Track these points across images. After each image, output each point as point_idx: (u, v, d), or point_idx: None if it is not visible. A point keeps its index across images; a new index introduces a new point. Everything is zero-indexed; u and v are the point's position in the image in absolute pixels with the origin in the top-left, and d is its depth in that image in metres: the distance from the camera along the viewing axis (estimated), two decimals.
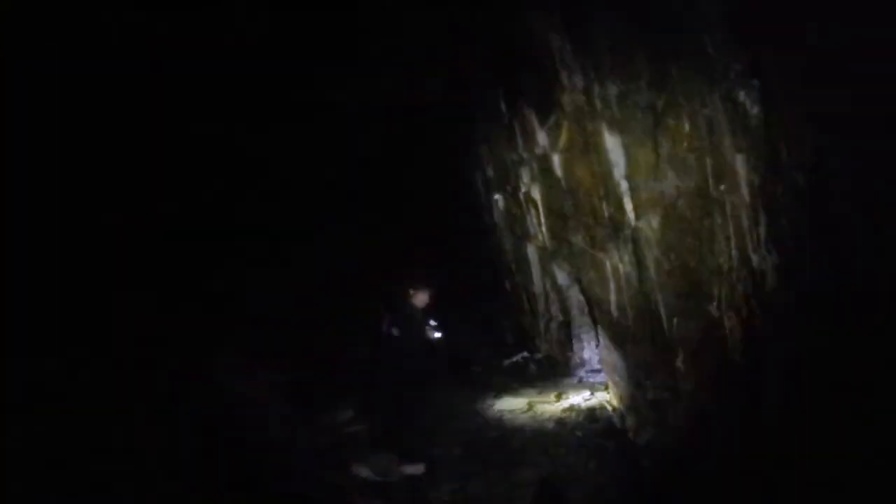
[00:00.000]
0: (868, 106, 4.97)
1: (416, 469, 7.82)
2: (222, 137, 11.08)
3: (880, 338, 5.32)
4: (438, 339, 8.65)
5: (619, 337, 8.15)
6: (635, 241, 7.28)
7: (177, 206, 10.33)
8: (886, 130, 4.83)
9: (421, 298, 8.71)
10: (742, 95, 5.99)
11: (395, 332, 8.48)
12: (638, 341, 7.76)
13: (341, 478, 7.47)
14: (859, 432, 5.46)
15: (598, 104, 7.40)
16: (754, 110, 5.96)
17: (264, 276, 11.36)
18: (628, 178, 7.25)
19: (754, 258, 6.17)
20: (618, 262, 7.79)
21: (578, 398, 9.72)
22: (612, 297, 8.10)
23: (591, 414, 9.09)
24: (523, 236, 10.81)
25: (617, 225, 7.56)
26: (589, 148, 7.79)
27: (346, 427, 8.91)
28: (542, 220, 9.97)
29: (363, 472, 7.59)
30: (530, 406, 9.71)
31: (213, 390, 7.03)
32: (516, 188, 10.46)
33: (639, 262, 7.32)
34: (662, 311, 7.02)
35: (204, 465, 6.54)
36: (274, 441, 7.02)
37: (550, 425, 9.01)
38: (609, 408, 8.98)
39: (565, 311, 10.45)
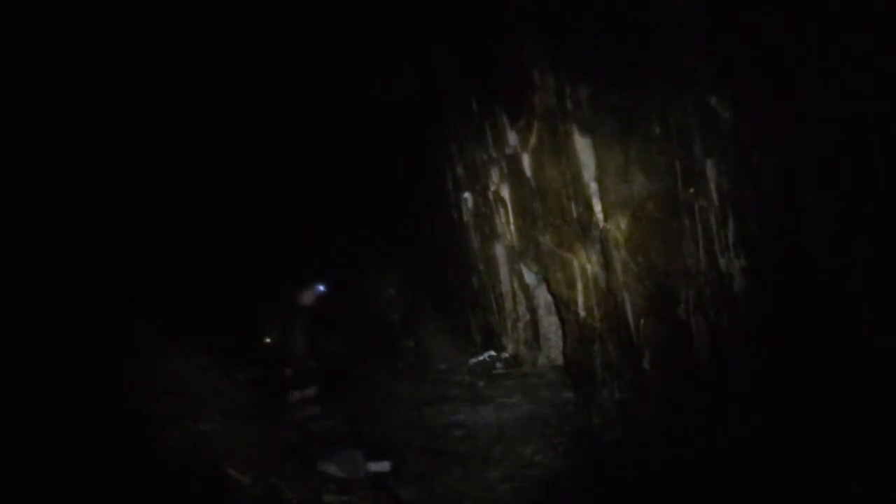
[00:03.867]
0: (839, 111, 5.04)
1: (382, 467, 7.79)
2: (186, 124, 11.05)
3: (847, 340, 5.39)
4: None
5: (586, 337, 8.18)
6: (603, 242, 7.32)
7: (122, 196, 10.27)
8: (857, 136, 4.89)
9: (307, 298, 8.63)
10: (714, 100, 6.03)
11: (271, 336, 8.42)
12: (605, 342, 7.81)
13: (305, 473, 7.43)
14: (825, 432, 5.53)
15: (570, 105, 7.43)
16: (726, 114, 6.00)
17: (226, 274, 11.32)
18: (598, 179, 7.30)
19: (722, 261, 6.23)
20: (585, 263, 7.83)
21: (545, 397, 9.74)
22: (580, 298, 8.15)
23: (558, 413, 9.11)
24: (492, 235, 10.81)
25: (585, 225, 7.60)
26: (559, 149, 7.82)
27: (312, 422, 8.86)
28: (511, 219, 9.99)
29: (330, 468, 7.56)
30: (496, 405, 9.72)
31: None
32: (486, 187, 10.47)
33: (606, 263, 7.36)
34: (629, 312, 7.07)
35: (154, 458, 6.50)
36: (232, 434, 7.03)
37: (517, 424, 9.02)
38: (576, 407, 9.01)
39: (532, 310, 10.47)
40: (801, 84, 5.25)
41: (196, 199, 12.25)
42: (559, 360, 10.11)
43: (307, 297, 9.10)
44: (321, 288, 9.39)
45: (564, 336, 9.19)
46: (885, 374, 5.16)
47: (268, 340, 8.97)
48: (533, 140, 8.57)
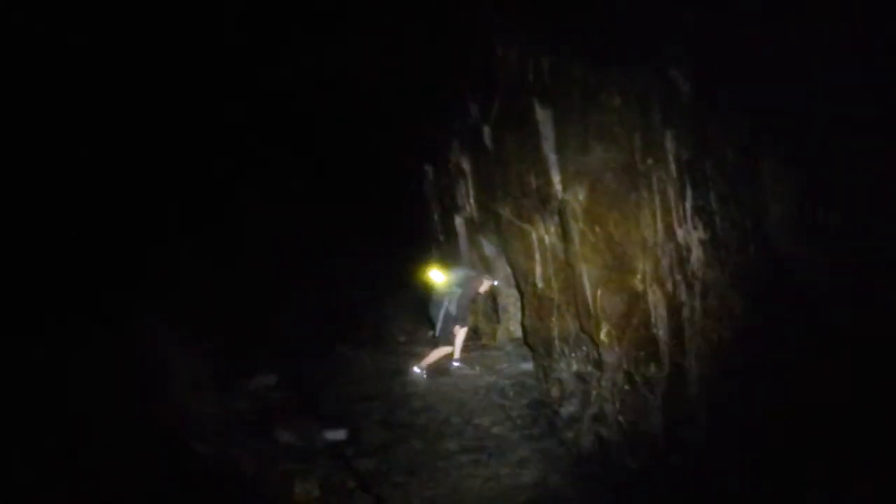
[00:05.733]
0: (799, 87, 5.05)
1: (338, 435, 7.80)
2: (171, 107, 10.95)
3: (807, 313, 5.43)
4: None
5: (544, 308, 8.18)
6: (561, 213, 7.30)
7: (108, 169, 10.15)
8: (818, 110, 4.91)
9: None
10: (674, 73, 6.03)
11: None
12: (562, 313, 7.81)
13: (262, 443, 7.41)
14: (784, 409, 5.59)
15: (531, 78, 7.40)
16: (686, 87, 6.01)
17: (191, 242, 11.23)
18: (557, 150, 7.27)
19: (679, 232, 6.24)
20: (544, 234, 7.82)
21: (504, 369, 9.76)
22: (538, 269, 8.14)
23: (517, 385, 9.13)
24: (452, 207, 10.77)
25: (544, 197, 7.58)
26: (520, 121, 7.78)
27: (270, 393, 8.84)
28: (471, 191, 9.96)
29: (285, 437, 7.55)
30: (455, 376, 9.72)
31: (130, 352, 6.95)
32: (446, 159, 10.42)
33: (564, 235, 7.34)
34: (587, 283, 7.06)
35: (116, 428, 6.43)
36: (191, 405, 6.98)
37: (475, 396, 9.03)
38: (534, 379, 9.03)
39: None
40: (762, 58, 5.26)
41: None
42: (518, 333, 10.13)
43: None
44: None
45: (523, 308, 9.18)
46: (844, 346, 5.21)
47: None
48: (494, 112, 8.54)
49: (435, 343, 9.93)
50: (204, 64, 10.99)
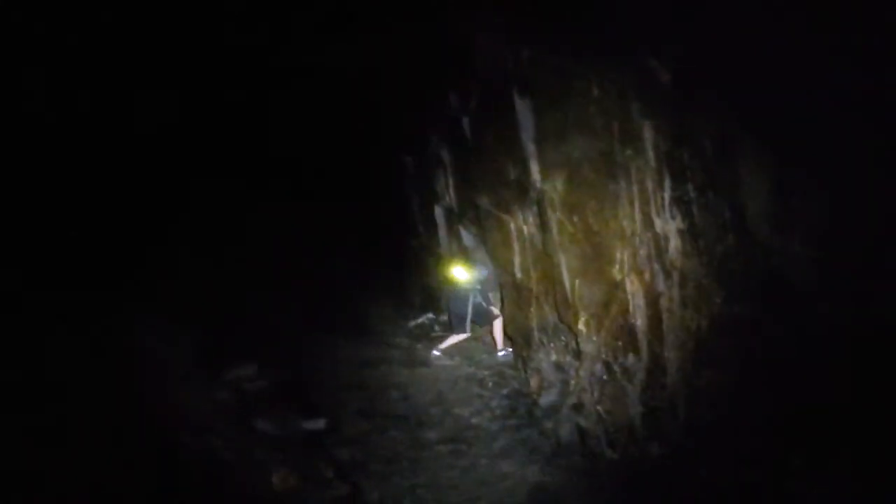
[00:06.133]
0: (778, 76, 5.06)
1: (317, 424, 7.80)
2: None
3: (787, 302, 5.45)
4: None
5: (523, 299, 8.19)
6: (540, 203, 7.29)
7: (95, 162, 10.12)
8: (796, 100, 4.92)
9: None
10: (654, 63, 6.03)
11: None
12: (541, 303, 7.82)
13: (241, 433, 7.40)
14: (764, 397, 5.61)
15: (510, 67, 7.39)
16: (665, 77, 6.00)
17: (174, 235, 11.20)
18: (536, 140, 7.26)
19: (658, 222, 6.24)
20: (522, 224, 7.81)
21: (484, 359, 9.78)
22: (516, 259, 8.14)
23: (496, 375, 9.15)
24: (431, 198, 10.77)
25: (523, 187, 7.57)
26: (499, 111, 7.77)
27: (249, 382, 8.82)
28: (450, 181, 9.96)
29: (263, 426, 7.54)
30: (435, 367, 9.74)
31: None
32: (426, 150, 10.42)
33: (543, 225, 7.34)
34: (565, 273, 7.06)
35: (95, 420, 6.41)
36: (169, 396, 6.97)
37: (455, 386, 9.06)
38: (513, 369, 9.04)
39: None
40: (741, 48, 5.26)
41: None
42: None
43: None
44: None
45: (501, 298, 9.19)
46: (823, 335, 5.23)
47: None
48: (474, 103, 8.53)
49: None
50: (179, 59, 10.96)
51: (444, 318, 11.09)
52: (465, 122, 8.86)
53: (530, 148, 7.33)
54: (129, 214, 10.41)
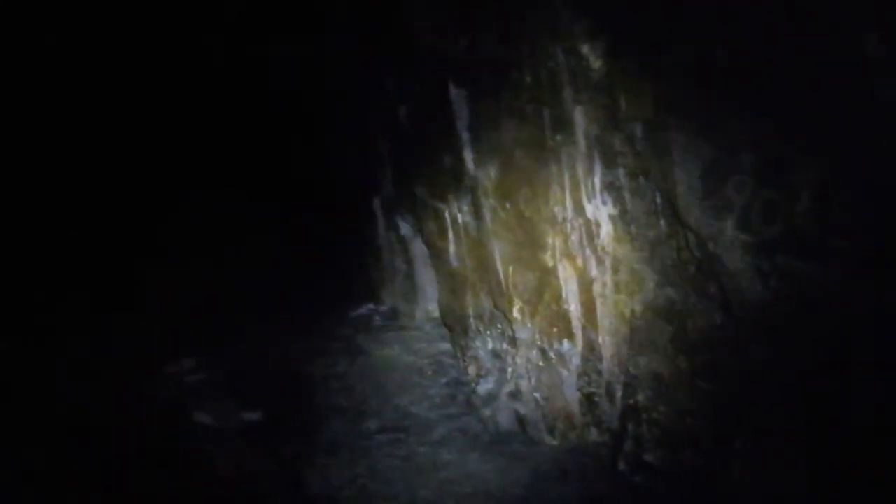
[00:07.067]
0: (705, 59, 5.10)
1: (255, 415, 7.78)
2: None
3: (717, 287, 5.50)
4: None
5: (458, 287, 8.20)
6: (474, 190, 7.31)
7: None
8: (731, 83, 4.97)
9: None
10: (586, 49, 6.03)
11: None
12: (476, 291, 7.83)
13: (178, 426, 7.37)
14: (703, 382, 5.67)
15: (446, 55, 7.37)
16: (597, 64, 6.01)
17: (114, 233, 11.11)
18: (470, 129, 7.27)
19: (589, 208, 6.28)
20: (457, 212, 7.82)
21: (423, 349, 9.77)
22: (451, 248, 8.14)
23: (435, 364, 9.15)
24: (369, 187, 10.74)
25: (457, 175, 7.57)
26: (435, 99, 7.76)
27: (189, 375, 8.77)
28: (388, 171, 9.94)
29: (201, 419, 7.51)
30: (375, 357, 9.72)
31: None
32: (364, 139, 10.38)
33: (477, 212, 7.36)
34: (498, 260, 7.09)
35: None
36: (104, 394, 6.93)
37: (394, 376, 9.04)
38: (452, 358, 9.05)
39: (408, 262, 10.46)
40: (671, 34, 5.29)
41: None
42: (436, 313, 10.12)
43: None
44: None
45: (439, 287, 9.19)
46: (762, 319, 5.30)
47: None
48: (410, 91, 8.51)
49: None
50: None
51: (385, 308, 11.10)
52: (402, 110, 8.83)
53: (465, 136, 7.33)
54: (58, 214, 10.32)
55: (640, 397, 6.29)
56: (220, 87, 12.52)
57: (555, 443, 7.12)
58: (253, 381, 8.79)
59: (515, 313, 7.08)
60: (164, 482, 6.54)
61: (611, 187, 6.10)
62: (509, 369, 7.47)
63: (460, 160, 7.40)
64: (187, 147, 13.10)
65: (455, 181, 7.64)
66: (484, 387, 7.90)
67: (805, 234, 4.96)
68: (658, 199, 5.82)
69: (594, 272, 6.39)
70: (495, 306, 7.46)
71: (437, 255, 8.65)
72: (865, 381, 4.84)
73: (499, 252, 7.07)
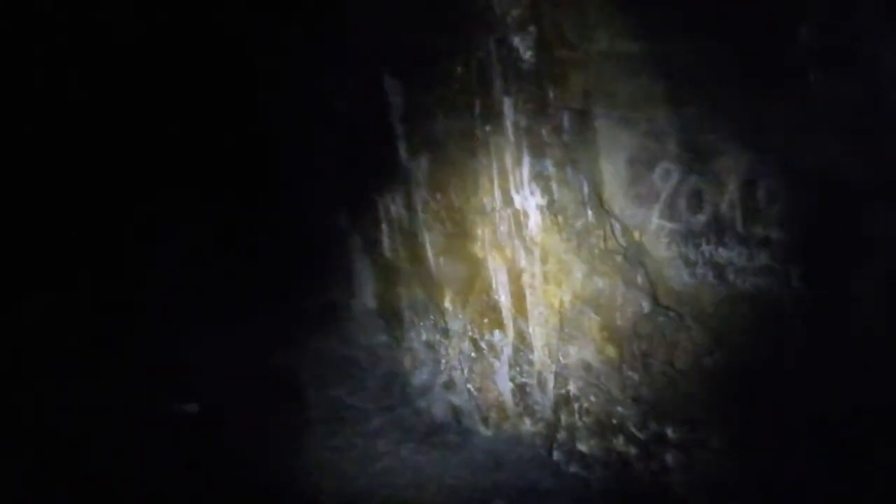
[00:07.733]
0: (632, 51, 5.15)
1: (191, 408, 7.75)
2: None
3: (645, 276, 5.57)
4: None
5: (392, 279, 8.22)
6: (406, 181, 7.33)
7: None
8: (666, 73, 5.02)
9: None
10: (517, 40, 6.06)
11: None
12: (410, 283, 7.85)
13: (119, 418, 7.32)
14: (633, 372, 5.75)
15: (381, 46, 7.37)
16: (527, 55, 6.04)
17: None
18: (403, 120, 7.28)
19: (517, 198, 6.32)
20: (390, 204, 7.82)
21: (359, 340, 9.75)
22: (385, 239, 8.14)
23: (371, 356, 9.14)
24: (305, 180, 10.67)
25: (391, 166, 7.58)
26: (371, 91, 7.75)
27: (130, 371, 8.69)
28: (324, 163, 9.89)
29: (143, 412, 7.47)
30: (312, 349, 9.69)
31: None
32: (301, 130, 10.31)
33: (409, 204, 7.39)
34: (430, 251, 7.13)
35: None
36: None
37: (331, 367, 9.02)
38: (387, 349, 9.05)
39: (345, 254, 10.42)
40: (603, 24, 5.33)
41: None
42: (372, 304, 10.12)
43: None
44: None
45: (374, 279, 9.19)
46: (689, 305, 5.38)
47: None
48: (347, 83, 8.48)
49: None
50: None
51: (321, 301, 11.05)
52: (339, 102, 8.79)
53: (399, 128, 7.34)
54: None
55: (572, 387, 6.35)
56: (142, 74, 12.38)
57: (489, 433, 7.17)
58: (189, 374, 8.71)
59: (447, 304, 7.11)
60: (100, 475, 6.51)
61: (539, 177, 6.14)
62: (443, 360, 7.51)
63: (395, 151, 7.40)
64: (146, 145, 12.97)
65: (389, 173, 7.65)
66: (419, 378, 7.93)
67: (730, 223, 5.05)
68: (585, 189, 5.87)
69: (523, 263, 6.43)
70: (428, 297, 7.48)
71: (372, 247, 8.65)
72: (793, 369, 4.94)
73: (430, 243, 7.10)
